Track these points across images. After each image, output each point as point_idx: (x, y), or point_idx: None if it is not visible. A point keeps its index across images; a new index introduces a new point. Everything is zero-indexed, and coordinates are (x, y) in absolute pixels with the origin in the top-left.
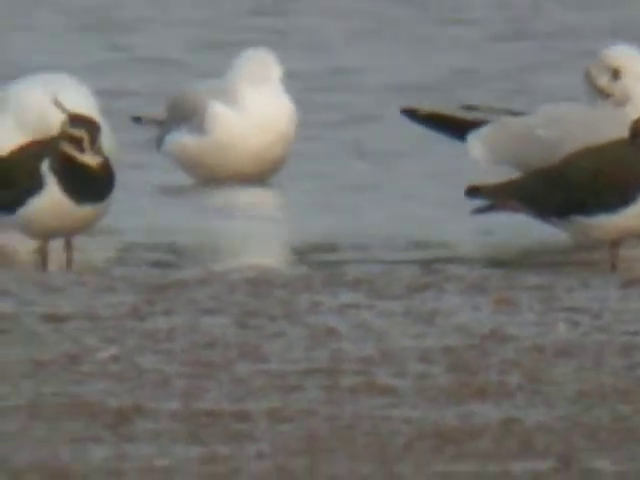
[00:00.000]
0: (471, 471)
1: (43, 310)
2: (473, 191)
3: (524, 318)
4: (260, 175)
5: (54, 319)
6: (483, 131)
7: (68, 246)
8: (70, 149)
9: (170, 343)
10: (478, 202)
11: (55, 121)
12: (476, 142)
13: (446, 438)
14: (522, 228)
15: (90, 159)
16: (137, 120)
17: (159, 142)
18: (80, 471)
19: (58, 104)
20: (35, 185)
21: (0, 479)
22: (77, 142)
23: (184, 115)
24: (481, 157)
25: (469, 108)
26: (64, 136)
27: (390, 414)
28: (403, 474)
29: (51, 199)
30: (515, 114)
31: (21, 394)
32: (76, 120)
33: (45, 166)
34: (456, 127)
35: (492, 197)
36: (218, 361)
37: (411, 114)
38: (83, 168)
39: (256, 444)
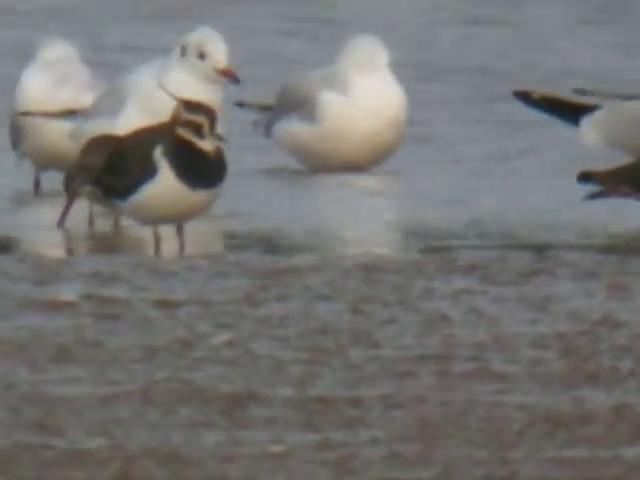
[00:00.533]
0: (583, 456)
1: (156, 296)
2: (585, 177)
3: (636, 304)
4: (371, 162)
5: (167, 305)
6: (596, 115)
7: (180, 232)
8: (188, 135)
9: (284, 329)
10: (590, 188)
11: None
12: (589, 127)
13: (558, 424)
14: (635, 214)
15: (208, 145)
16: (241, 105)
17: (267, 129)
18: (193, 456)
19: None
20: (148, 171)
21: (114, 464)
22: (197, 128)
23: (295, 103)
24: (594, 142)
25: (581, 92)
26: (180, 122)
27: (503, 400)
28: (516, 460)
29: (165, 185)
30: (628, 98)
31: (134, 380)
32: (193, 106)
33: (158, 152)
34: (570, 111)
35: (604, 183)
36: (331, 347)
37: (524, 97)
38: (197, 153)
39: (369, 430)
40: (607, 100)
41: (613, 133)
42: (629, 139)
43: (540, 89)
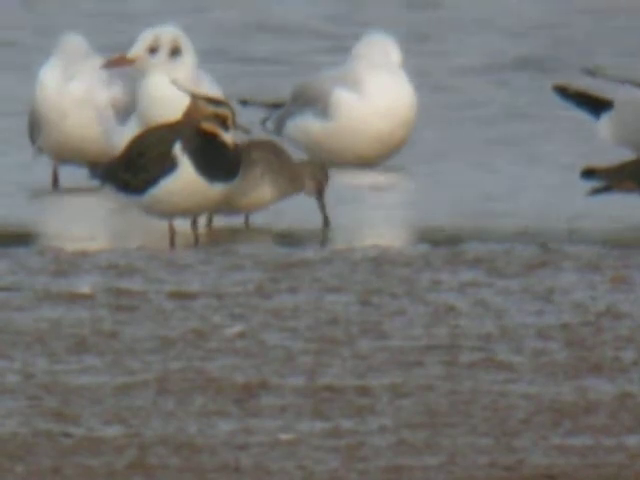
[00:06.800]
0: (587, 444)
1: (171, 288)
2: (589, 173)
3: (638, 296)
4: (382, 158)
5: (182, 296)
6: (611, 112)
7: (195, 225)
8: (214, 127)
9: (294, 320)
10: (594, 183)
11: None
12: (606, 122)
13: (562, 413)
14: (638, 208)
15: (229, 137)
16: (244, 103)
17: (279, 125)
18: (207, 444)
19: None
20: (168, 166)
21: (130, 451)
22: (222, 120)
23: (308, 100)
24: (608, 137)
25: (588, 72)
26: (206, 115)
27: (508, 389)
28: (521, 447)
29: (185, 179)
30: (635, 83)
31: (150, 369)
32: (216, 101)
33: (177, 148)
34: (596, 106)
35: (608, 179)
36: (341, 338)
37: (562, 91)
38: (217, 147)
39: (378, 418)
40: (613, 83)
41: (625, 129)
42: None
43: (576, 84)
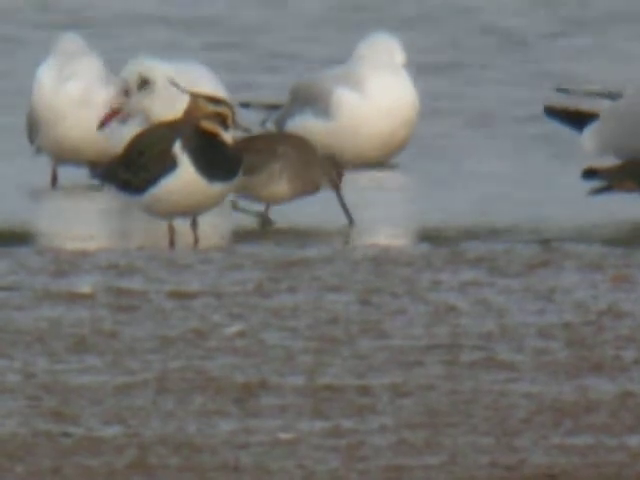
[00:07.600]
0: (588, 444)
1: (171, 287)
2: (590, 173)
3: None
4: (383, 158)
5: (181, 296)
6: (595, 123)
7: (195, 224)
8: (214, 126)
9: (294, 319)
10: (595, 183)
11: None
12: (589, 133)
13: (564, 412)
14: (638, 208)
15: (229, 136)
16: (245, 106)
17: (280, 124)
18: (206, 444)
19: (175, 84)
20: (168, 165)
21: (130, 451)
22: (222, 119)
23: (309, 99)
24: (591, 148)
25: (563, 91)
26: (205, 113)
27: (509, 389)
28: (522, 447)
29: (185, 178)
30: (609, 95)
31: (149, 369)
32: (216, 99)
33: (177, 146)
34: (579, 121)
35: (609, 178)
36: (341, 337)
37: (550, 111)
38: (216, 146)
39: (378, 418)
40: (588, 99)
41: (606, 140)
42: (623, 144)
43: (562, 102)
